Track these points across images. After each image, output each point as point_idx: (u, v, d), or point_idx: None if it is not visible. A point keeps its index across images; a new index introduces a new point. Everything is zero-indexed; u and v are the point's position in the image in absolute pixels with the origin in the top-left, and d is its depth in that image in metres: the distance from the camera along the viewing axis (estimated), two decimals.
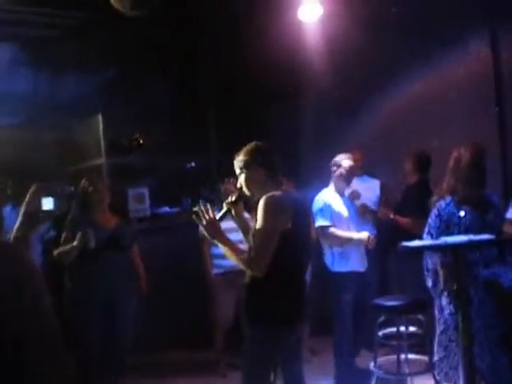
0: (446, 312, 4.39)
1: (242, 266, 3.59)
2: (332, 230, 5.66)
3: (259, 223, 3.47)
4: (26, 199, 4.66)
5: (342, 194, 5.85)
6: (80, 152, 8.00)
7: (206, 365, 6.56)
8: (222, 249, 3.71)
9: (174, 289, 6.85)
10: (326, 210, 5.69)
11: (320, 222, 5.68)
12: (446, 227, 4.38)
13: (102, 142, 7.69)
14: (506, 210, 4.31)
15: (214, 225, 3.68)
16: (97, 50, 7.27)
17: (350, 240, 5.65)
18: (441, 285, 4.65)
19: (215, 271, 6.36)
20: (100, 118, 7.63)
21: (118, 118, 7.75)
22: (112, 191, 7.57)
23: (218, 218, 3.70)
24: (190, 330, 6.75)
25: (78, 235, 4.95)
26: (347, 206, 5.80)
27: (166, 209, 8.48)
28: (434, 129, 6.30)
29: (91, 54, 7.32)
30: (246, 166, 3.71)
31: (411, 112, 6.67)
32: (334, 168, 5.81)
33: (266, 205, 3.44)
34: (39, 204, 4.64)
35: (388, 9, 6.41)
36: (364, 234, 5.68)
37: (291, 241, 3.49)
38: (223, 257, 6.20)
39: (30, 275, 1.53)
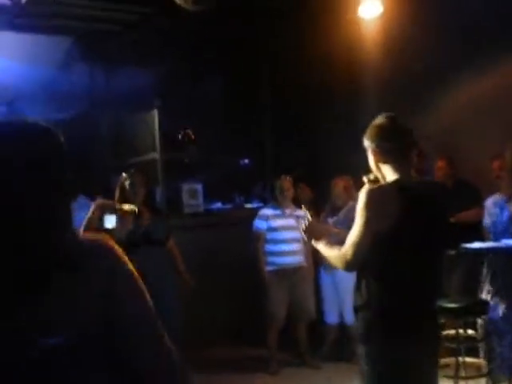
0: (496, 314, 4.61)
1: (336, 265, 3.10)
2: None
3: (356, 218, 3.00)
4: (89, 214, 4.67)
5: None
6: (135, 146, 8.05)
7: (258, 361, 6.53)
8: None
9: (226, 284, 6.87)
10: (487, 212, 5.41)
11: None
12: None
13: (157, 137, 7.70)
14: None
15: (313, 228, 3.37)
16: (153, 44, 7.29)
17: None
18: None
19: (268, 268, 6.31)
20: (156, 112, 7.65)
21: (174, 112, 7.77)
22: (166, 186, 7.72)
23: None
24: (243, 326, 6.75)
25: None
26: (502, 212, 5.49)
27: (219, 205, 8.49)
28: (493, 130, 6.13)
29: (148, 49, 7.34)
30: (367, 149, 3.16)
31: (470, 112, 6.49)
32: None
33: (362, 199, 2.94)
34: (101, 221, 4.64)
35: (448, 9, 6.24)
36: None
37: (404, 241, 2.94)
38: (277, 254, 6.29)
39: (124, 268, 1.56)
